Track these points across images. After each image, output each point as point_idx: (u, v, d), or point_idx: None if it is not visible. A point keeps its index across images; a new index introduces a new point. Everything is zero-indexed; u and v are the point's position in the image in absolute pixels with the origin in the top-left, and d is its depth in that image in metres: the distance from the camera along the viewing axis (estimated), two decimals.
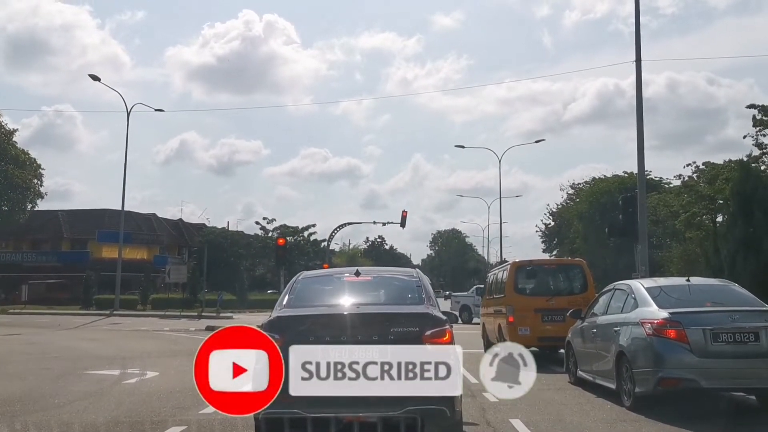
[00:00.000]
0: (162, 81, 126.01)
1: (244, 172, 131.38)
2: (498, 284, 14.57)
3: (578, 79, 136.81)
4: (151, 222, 57.20)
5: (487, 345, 14.83)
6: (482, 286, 24.06)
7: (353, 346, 5.22)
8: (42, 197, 46.37)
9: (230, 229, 60.35)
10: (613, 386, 8.33)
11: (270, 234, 57.39)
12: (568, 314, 10.86)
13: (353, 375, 5.10)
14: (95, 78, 36.73)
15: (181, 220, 63.11)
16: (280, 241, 30.42)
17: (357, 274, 6.57)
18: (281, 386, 5.05)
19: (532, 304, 12.97)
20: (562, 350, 13.03)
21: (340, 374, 5.12)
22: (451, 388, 5.16)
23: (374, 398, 5.13)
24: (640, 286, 8.64)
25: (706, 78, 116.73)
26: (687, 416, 7.13)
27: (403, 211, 41.43)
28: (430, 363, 5.13)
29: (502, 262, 49.21)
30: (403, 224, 40.86)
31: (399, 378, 5.08)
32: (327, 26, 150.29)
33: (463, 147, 49.31)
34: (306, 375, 5.17)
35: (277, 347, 5.15)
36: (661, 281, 9.27)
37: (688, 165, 50.03)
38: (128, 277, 48.45)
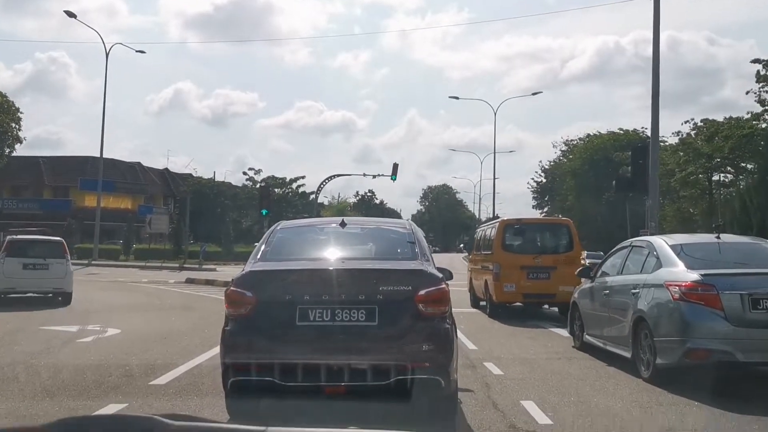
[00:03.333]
0: (158, 29, 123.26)
1: (238, 123, 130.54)
2: (486, 241, 14.49)
3: (578, 35, 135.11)
4: (135, 171, 55.77)
5: (474, 300, 14.97)
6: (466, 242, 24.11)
7: (336, 306, 4.73)
8: (20, 142, 44.81)
9: (219, 180, 58.99)
10: (627, 354, 7.32)
11: (258, 185, 56.19)
12: (576, 273, 9.87)
13: (336, 339, 4.68)
14: (71, 14, 35.51)
15: (167, 169, 61.44)
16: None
17: (342, 224, 5.88)
18: (253, 349, 4.68)
19: (518, 261, 12.91)
20: (545, 306, 13.78)
21: (321, 339, 4.69)
22: (446, 355, 4.74)
23: (359, 366, 4.65)
24: (663, 243, 7.53)
25: (707, 38, 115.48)
26: (725, 394, 6.08)
27: (395, 163, 40.24)
28: (423, 326, 4.73)
29: (494, 218, 48.39)
30: (394, 176, 39.52)
31: (388, 343, 4.68)
32: None
33: (457, 98, 49.89)
34: (281, 338, 4.73)
35: (248, 306, 4.76)
36: (687, 238, 8.21)
37: (686, 122, 49.43)
38: (112, 227, 47.48)
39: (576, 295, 9.50)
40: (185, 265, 33.28)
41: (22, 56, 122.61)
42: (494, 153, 49.32)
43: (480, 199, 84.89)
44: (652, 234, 13.13)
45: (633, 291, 7.37)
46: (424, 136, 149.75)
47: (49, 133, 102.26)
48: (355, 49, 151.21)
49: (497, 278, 12.79)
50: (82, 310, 12.76)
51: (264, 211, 29.63)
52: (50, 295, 14.24)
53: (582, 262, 13.76)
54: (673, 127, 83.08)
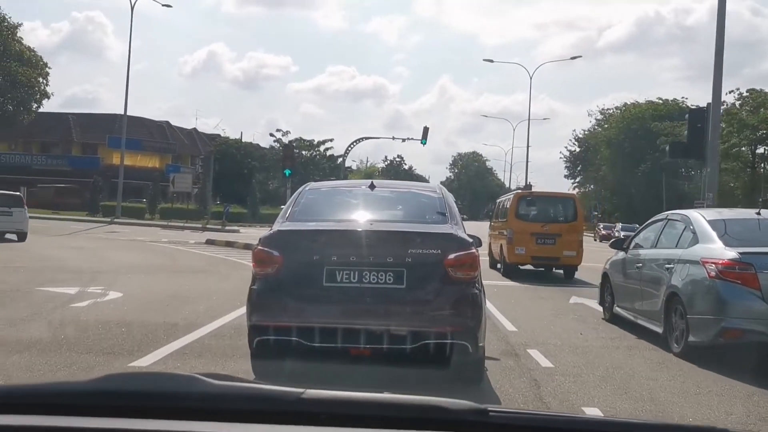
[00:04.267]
0: None
1: (270, 87, 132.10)
2: (503, 210, 16.66)
3: (617, 3, 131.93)
4: (164, 129, 56.14)
5: (492, 261, 16.47)
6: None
7: (364, 268, 4.69)
8: (48, 97, 45.24)
9: (247, 141, 59.22)
10: (659, 330, 7.26)
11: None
12: (608, 244, 9.93)
13: (363, 301, 4.67)
14: None
15: (195, 129, 61.92)
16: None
17: (372, 187, 5.77)
18: (279, 309, 4.69)
19: (528, 228, 14.88)
20: (554, 270, 15.63)
21: (347, 300, 4.68)
22: (475, 320, 4.71)
23: (386, 329, 4.61)
24: (700, 217, 7.35)
25: (750, 8, 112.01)
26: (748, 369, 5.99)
27: (425, 127, 39.61)
28: (451, 291, 4.70)
29: (527, 186, 48.04)
30: (424, 140, 38.51)
31: (416, 307, 4.67)
32: None
33: (492, 61, 50.08)
34: (308, 299, 4.72)
35: (275, 266, 4.75)
36: (726, 213, 7.97)
37: (731, 92, 48.11)
38: (139, 185, 47.94)
39: (607, 266, 9.41)
40: (208, 226, 32.98)
41: (59, 15, 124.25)
42: (528, 120, 48.76)
43: (511, 167, 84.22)
44: (709, 206, 12.63)
45: (667, 266, 7.24)
46: (456, 103, 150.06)
47: (85, 92, 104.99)
48: (389, 14, 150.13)
49: (510, 242, 14.85)
50: (91, 271, 12.37)
51: (287, 171, 28.41)
52: (14, 233, 19.03)
53: (583, 231, 16.47)
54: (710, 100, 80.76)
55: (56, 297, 9.02)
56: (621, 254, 8.98)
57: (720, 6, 14.89)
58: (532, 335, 7.58)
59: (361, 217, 5.36)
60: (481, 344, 4.80)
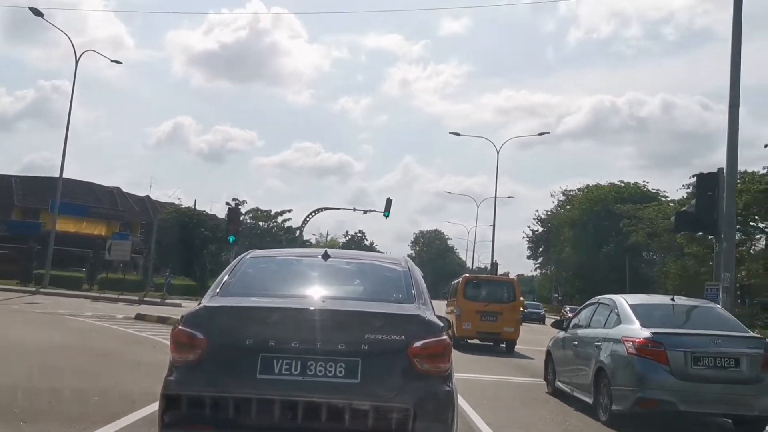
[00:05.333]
0: (162, 64, 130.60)
1: (235, 160, 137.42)
2: (454, 291, 20.41)
3: (575, 94, 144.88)
4: (113, 196, 56.43)
5: None
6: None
7: (309, 357, 4.07)
8: None
9: (201, 210, 60.01)
10: (590, 400, 8.73)
11: (242, 218, 57.42)
12: (550, 324, 11.50)
13: (306, 400, 4.00)
14: (37, 13, 34.05)
15: (148, 197, 62.29)
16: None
17: (325, 257, 5.25)
18: (199, 408, 4.05)
19: (474, 307, 18.67)
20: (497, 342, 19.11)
21: (286, 397, 4.01)
22: (445, 425, 4.13)
23: None
24: (623, 301, 9.02)
25: (700, 102, 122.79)
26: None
27: (388, 199, 40.75)
28: (416, 388, 4.08)
29: (494, 265, 49.80)
30: (387, 212, 40.00)
31: (372, 408, 4.01)
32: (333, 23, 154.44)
33: (458, 134, 52.60)
34: (237, 395, 4.03)
35: (198, 351, 4.14)
36: (646, 298, 9.69)
37: (694, 176, 50.96)
38: (82, 254, 47.91)
39: (550, 344, 10.96)
40: (146, 299, 31.73)
41: (25, 83, 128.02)
42: (495, 195, 50.44)
43: (474, 246, 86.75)
44: (725, 287, 12.86)
45: (596, 343, 8.81)
46: (420, 182, 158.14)
47: (44, 159, 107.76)
48: (356, 94, 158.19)
49: (459, 318, 18.43)
50: None
51: (231, 238, 26.09)
52: None
53: (521, 310, 20.73)
54: (665, 186, 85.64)
55: None
56: (562, 333, 10.52)
57: (734, 50, 13.78)
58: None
59: (310, 293, 4.76)
60: None
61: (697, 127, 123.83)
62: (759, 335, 8.77)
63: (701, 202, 14.11)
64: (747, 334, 8.24)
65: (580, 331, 9.78)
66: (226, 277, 4.89)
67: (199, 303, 4.56)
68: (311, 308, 4.35)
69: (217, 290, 4.72)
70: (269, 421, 3.99)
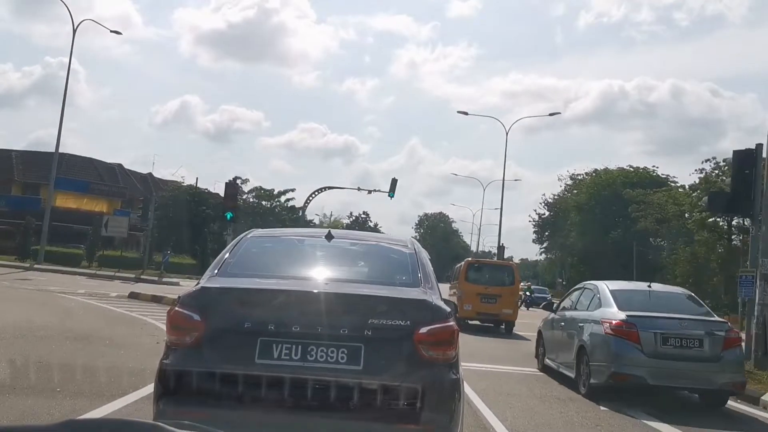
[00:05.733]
0: (170, 43, 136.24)
1: (240, 140, 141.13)
2: (457, 273, 22.65)
3: (583, 78, 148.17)
4: (115, 172, 57.36)
5: None
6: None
7: (311, 341, 4.07)
8: None
9: (204, 188, 61.04)
10: (572, 375, 10.08)
11: (245, 197, 58.62)
12: (541, 306, 13.02)
13: (306, 386, 4.01)
14: None
15: (150, 174, 63.11)
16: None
17: (329, 237, 5.25)
18: (195, 393, 4.10)
19: (475, 289, 20.71)
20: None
21: (284, 383, 4.01)
22: (449, 416, 4.12)
23: (334, 424, 4.00)
24: (605, 287, 10.37)
25: (710, 89, 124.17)
26: (634, 404, 8.84)
27: (393, 179, 41.22)
28: (421, 376, 4.06)
29: (500, 248, 50.92)
30: (392, 193, 40.56)
31: (374, 396, 4.03)
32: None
33: (466, 113, 51.98)
34: (235, 380, 4.02)
35: (195, 334, 4.14)
36: (625, 284, 11.06)
37: (707, 160, 50.65)
38: (83, 230, 48.73)
39: (541, 324, 12.32)
40: (143, 277, 32.12)
41: (32, 59, 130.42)
42: (504, 175, 49.70)
43: (480, 229, 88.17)
44: (763, 274, 12.68)
45: (579, 324, 10.17)
46: (425, 165, 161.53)
47: (51, 136, 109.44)
48: (363, 76, 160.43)
49: (460, 300, 20.10)
50: None
51: (228, 214, 25.09)
52: None
53: (519, 293, 23.58)
54: (672, 172, 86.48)
55: None
56: (551, 315, 11.86)
57: None
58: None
59: (312, 275, 4.79)
60: None
61: (705, 114, 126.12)
62: (721, 319, 10.08)
63: (737, 181, 13.73)
64: (710, 318, 9.60)
65: (567, 313, 11.12)
66: (226, 256, 4.91)
67: (197, 283, 4.62)
68: (313, 291, 4.37)
69: (216, 270, 4.71)
70: (267, 405, 4.02)
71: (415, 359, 4.07)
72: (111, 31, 42.57)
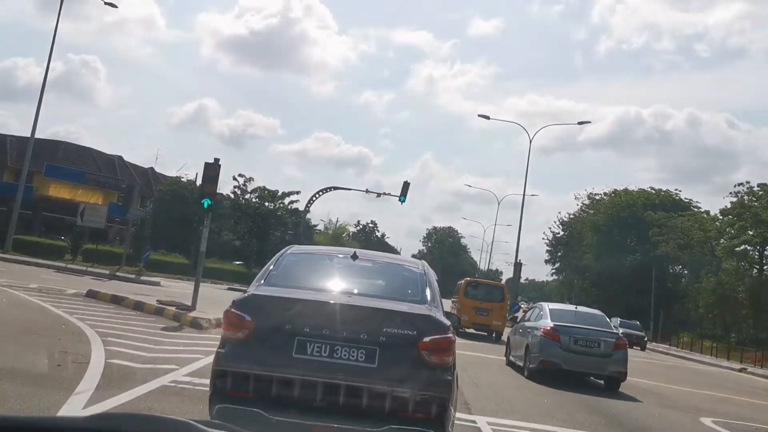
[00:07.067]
0: (191, 46, 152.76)
1: (254, 146, 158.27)
2: (458, 290, 32.79)
3: (600, 103, 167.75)
4: (114, 164, 62.10)
5: None
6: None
7: (337, 342, 5.72)
8: None
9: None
10: (521, 364, 18.02)
11: (248, 196, 61.29)
12: (508, 318, 21.47)
13: (332, 377, 5.61)
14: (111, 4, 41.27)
15: (152, 168, 67.81)
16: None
17: (354, 257, 7.13)
18: (244, 377, 5.66)
19: (471, 304, 30.56)
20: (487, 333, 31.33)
21: (316, 374, 5.62)
22: (444, 408, 5.73)
23: (352, 408, 5.59)
24: (546, 306, 18.54)
25: (726, 120, 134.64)
26: (557, 384, 16.75)
27: (405, 182, 44.12)
28: (423, 375, 5.71)
29: (517, 264, 55.87)
30: (403, 197, 43.38)
31: (385, 388, 5.59)
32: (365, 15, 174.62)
33: (488, 118, 55.75)
34: (276, 369, 5.67)
35: (246, 331, 5.82)
36: (560, 306, 19.30)
37: (739, 184, 55.26)
38: (73, 222, 52.11)
39: (509, 333, 20.43)
40: (118, 274, 32.79)
41: (54, 55, 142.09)
42: (525, 185, 53.45)
43: (491, 245, 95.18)
44: None
45: (528, 330, 18.13)
46: (437, 180, 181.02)
47: (68, 132, 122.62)
48: (381, 89, 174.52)
49: (458, 312, 29.03)
50: None
51: (205, 201, 21.10)
52: None
53: (507, 308, 33.85)
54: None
55: None
56: (516, 325, 20.00)
57: None
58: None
59: (340, 289, 6.60)
60: None
61: (721, 144, 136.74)
62: (614, 330, 18.07)
63: None
64: (608, 330, 17.57)
65: (524, 323, 19.13)
66: (270, 268, 6.78)
67: (247, 290, 6.44)
68: (340, 303, 6.05)
69: (262, 280, 6.57)
70: (300, 393, 5.65)
71: (419, 362, 5.72)
72: (105, 3, 44.04)
